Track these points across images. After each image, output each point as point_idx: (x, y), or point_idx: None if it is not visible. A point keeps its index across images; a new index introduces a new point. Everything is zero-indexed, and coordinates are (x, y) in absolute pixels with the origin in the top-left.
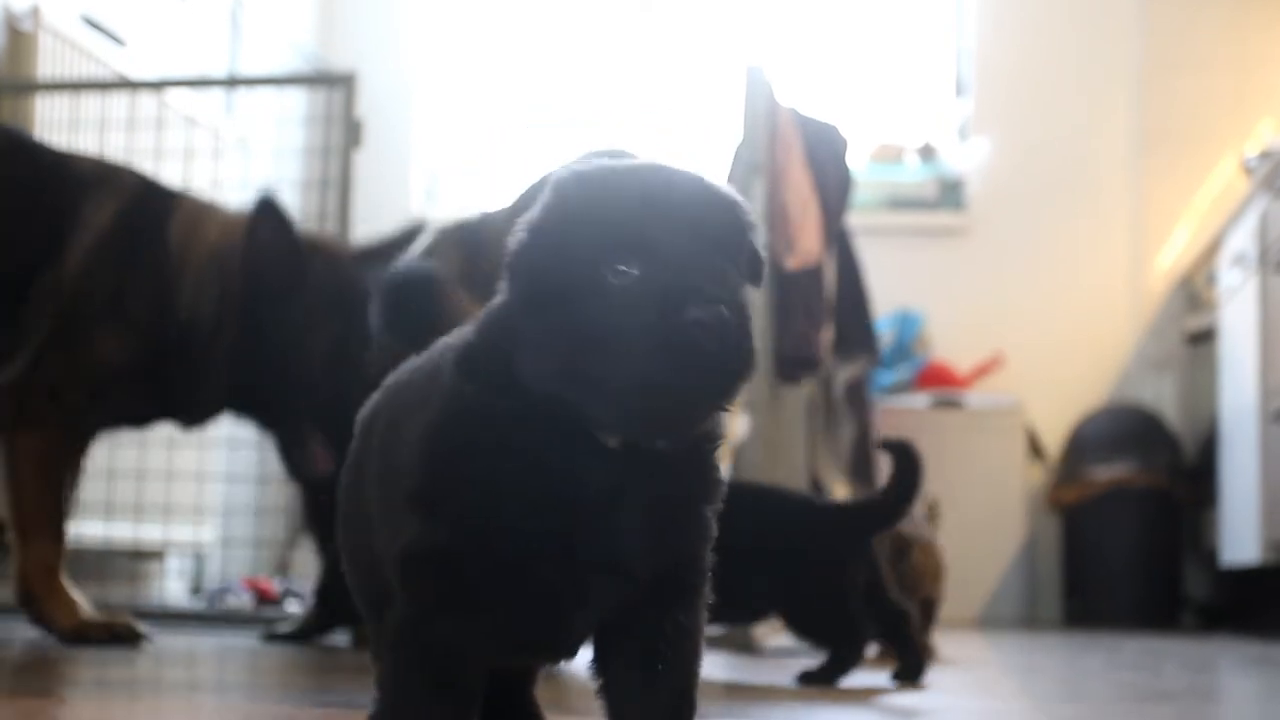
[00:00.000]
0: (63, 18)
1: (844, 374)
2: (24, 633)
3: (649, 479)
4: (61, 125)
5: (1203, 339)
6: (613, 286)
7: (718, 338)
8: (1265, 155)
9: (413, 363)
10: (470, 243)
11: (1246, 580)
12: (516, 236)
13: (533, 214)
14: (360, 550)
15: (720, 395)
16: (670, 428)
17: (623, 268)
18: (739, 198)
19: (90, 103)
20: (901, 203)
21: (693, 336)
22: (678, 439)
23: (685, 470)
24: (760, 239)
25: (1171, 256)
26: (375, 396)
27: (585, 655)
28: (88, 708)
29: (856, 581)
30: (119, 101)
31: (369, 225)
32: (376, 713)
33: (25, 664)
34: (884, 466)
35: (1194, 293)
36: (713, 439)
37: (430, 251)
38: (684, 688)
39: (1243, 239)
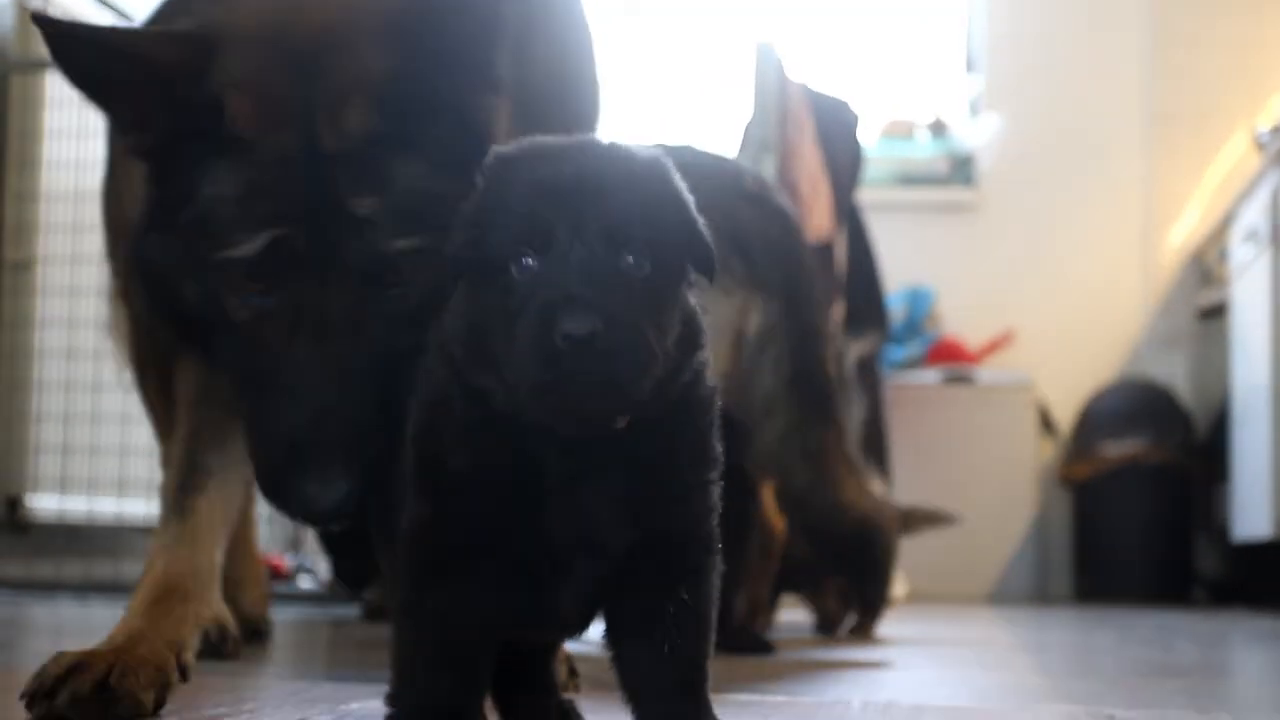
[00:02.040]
0: None
1: (855, 350)
2: (30, 609)
3: (618, 454)
4: (72, 103)
5: (1214, 315)
6: (513, 280)
7: (586, 354)
8: (1277, 130)
9: None
10: None
11: (1258, 555)
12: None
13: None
14: None
15: (603, 403)
16: (571, 422)
17: (526, 260)
18: (675, 187)
19: None
20: (912, 178)
21: (561, 351)
22: (588, 430)
23: (669, 442)
24: (704, 229)
25: (1183, 232)
26: None
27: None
28: None
29: None
30: None
31: None
32: (391, 685)
33: (36, 638)
34: (895, 443)
35: (1206, 268)
36: (703, 408)
37: None
38: (693, 662)
39: (1255, 214)
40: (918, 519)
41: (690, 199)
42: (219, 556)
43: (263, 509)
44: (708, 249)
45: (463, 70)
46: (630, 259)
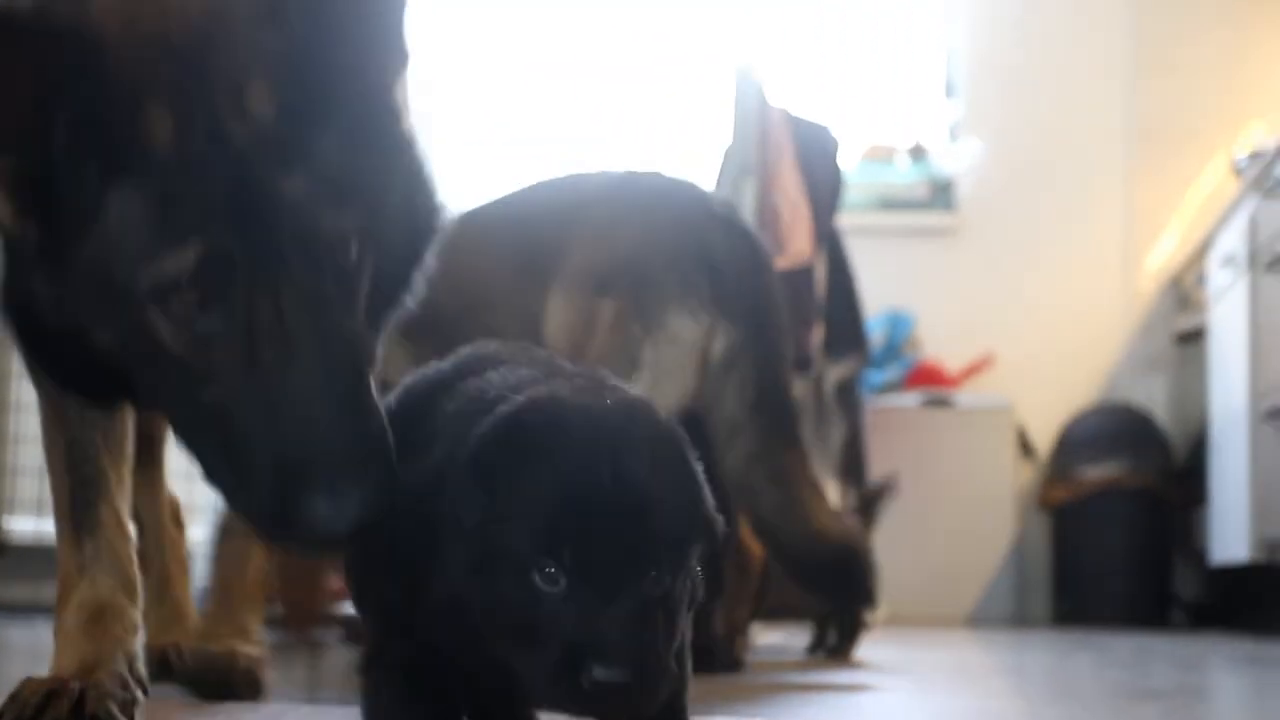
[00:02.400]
0: None
1: (834, 374)
2: (8, 632)
3: None
4: None
5: (1193, 339)
6: (539, 591)
7: (619, 699)
8: (1254, 156)
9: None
10: None
11: (1236, 579)
12: (457, 482)
13: (471, 464)
14: None
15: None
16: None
17: (550, 570)
18: (691, 469)
19: None
20: (892, 203)
21: (587, 692)
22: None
23: None
24: (708, 501)
25: (1162, 257)
26: None
27: None
28: None
29: None
30: None
31: None
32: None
33: (14, 661)
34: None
35: (1184, 293)
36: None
37: None
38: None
39: (1232, 240)
40: (870, 499)
41: (700, 476)
42: (135, 557)
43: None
44: (714, 531)
45: (365, 40)
46: (654, 575)
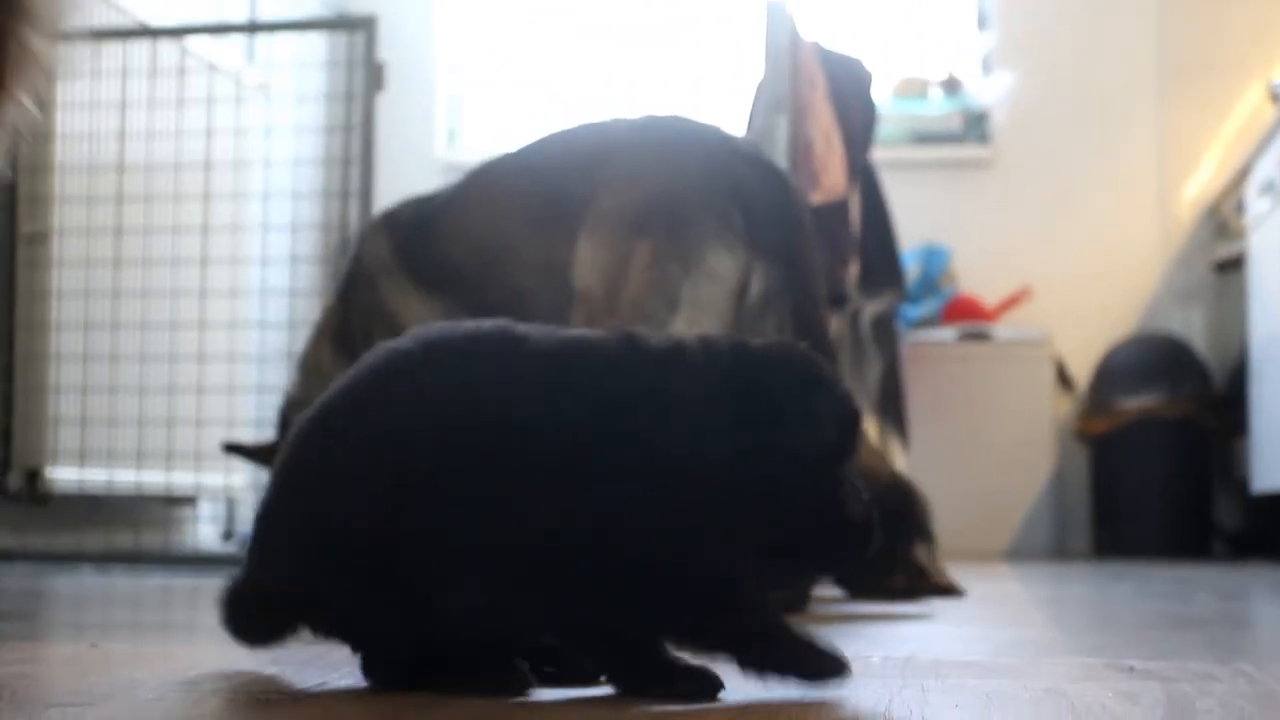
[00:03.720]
0: None
1: (871, 309)
2: (52, 580)
3: None
4: (83, 74)
5: (1231, 267)
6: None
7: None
8: None
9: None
10: (406, 225)
11: (1277, 507)
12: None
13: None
14: None
15: None
16: None
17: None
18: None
19: (112, 51)
20: (926, 136)
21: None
22: None
23: None
24: None
25: (1199, 185)
26: None
27: None
28: (122, 652)
29: None
30: (140, 49)
31: (392, 169)
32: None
33: (58, 609)
34: (912, 401)
35: (1222, 221)
36: None
37: (361, 236)
38: None
39: (1271, 166)
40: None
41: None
42: None
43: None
44: None
45: None
46: None
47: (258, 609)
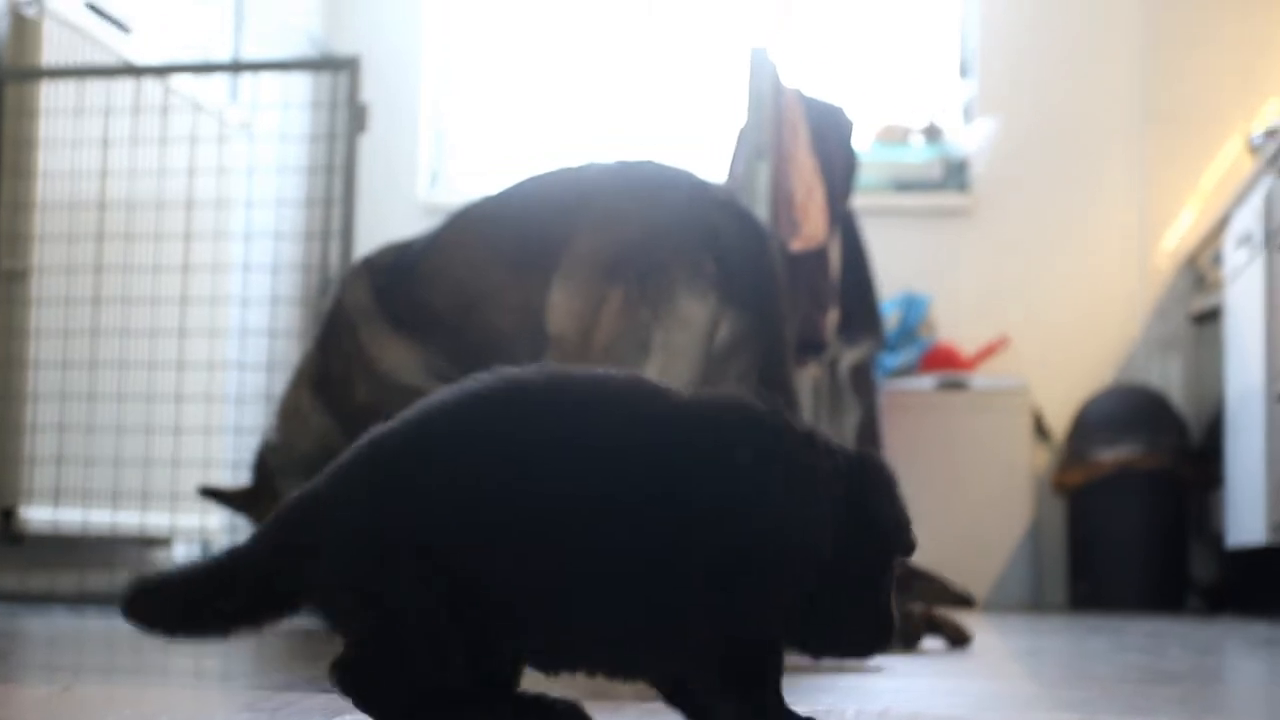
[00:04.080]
0: (67, 4)
1: (849, 357)
2: (25, 621)
3: None
4: (67, 112)
5: (1209, 319)
6: None
7: None
8: (1271, 134)
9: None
10: (386, 270)
11: (1252, 562)
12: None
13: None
14: None
15: None
16: None
17: None
18: None
19: (95, 89)
20: (907, 184)
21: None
22: None
23: None
24: None
25: (1177, 236)
26: None
27: None
28: (95, 695)
29: None
30: (124, 87)
31: (374, 210)
32: None
33: (30, 651)
34: (890, 450)
35: (1200, 273)
36: None
37: (341, 283)
38: None
39: (1248, 218)
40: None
41: None
42: None
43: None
44: None
45: None
46: None
47: (216, 590)
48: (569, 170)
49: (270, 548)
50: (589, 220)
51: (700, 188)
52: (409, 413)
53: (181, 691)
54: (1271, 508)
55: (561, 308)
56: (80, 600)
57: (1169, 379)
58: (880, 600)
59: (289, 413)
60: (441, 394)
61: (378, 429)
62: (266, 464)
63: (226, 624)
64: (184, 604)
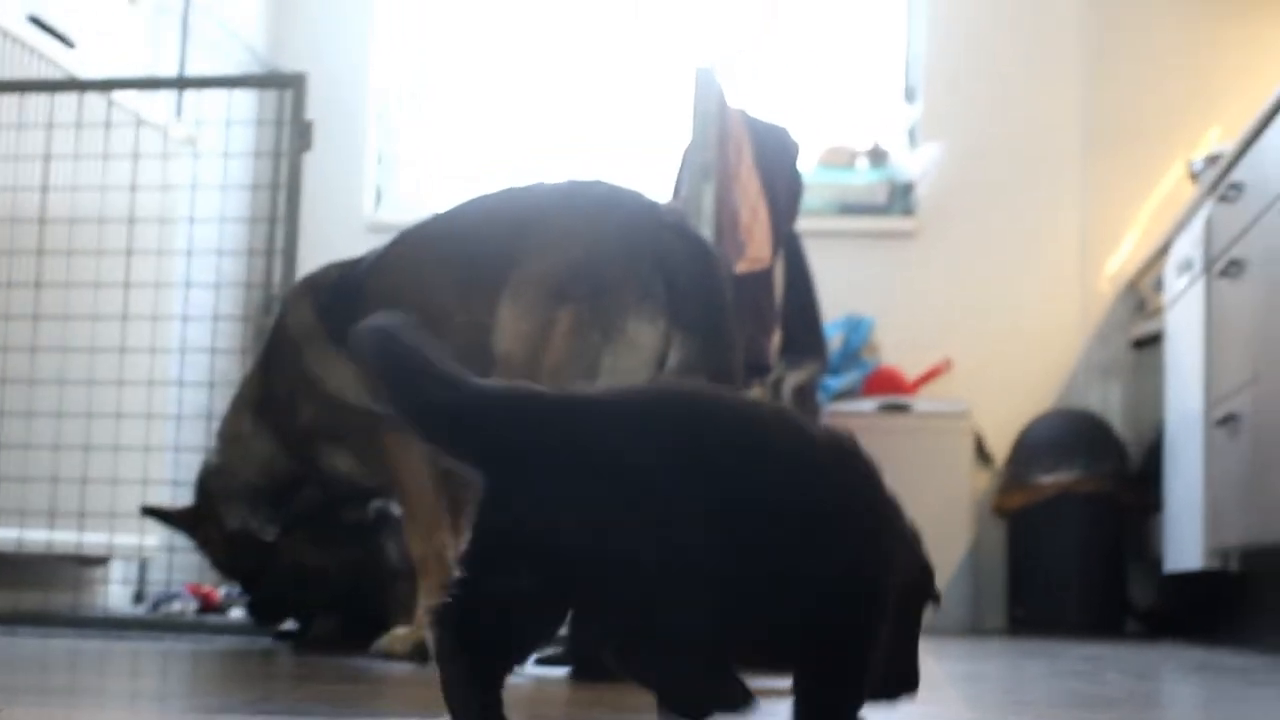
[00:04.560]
0: (9, 17)
1: (792, 379)
2: None
3: None
4: (8, 126)
5: (1149, 344)
6: None
7: None
8: (1211, 160)
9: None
10: (331, 290)
11: (1190, 586)
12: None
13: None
14: None
15: None
16: None
17: None
18: None
19: (38, 103)
20: (851, 207)
21: None
22: None
23: None
24: None
25: (1119, 262)
26: None
27: None
28: (28, 717)
29: None
30: (67, 102)
31: (319, 228)
32: None
33: None
34: None
35: (1141, 298)
36: None
37: (284, 304)
38: None
39: (1188, 245)
40: None
41: None
42: None
43: (189, 540)
44: None
45: None
46: None
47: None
48: (518, 190)
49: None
50: (538, 241)
51: (649, 209)
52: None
53: (117, 713)
54: (1209, 532)
55: (509, 328)
56: (14, 620)
57: (1109, 403)
58: (916, 646)
59: (231, 437)
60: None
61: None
62: (208, 487)
63: None
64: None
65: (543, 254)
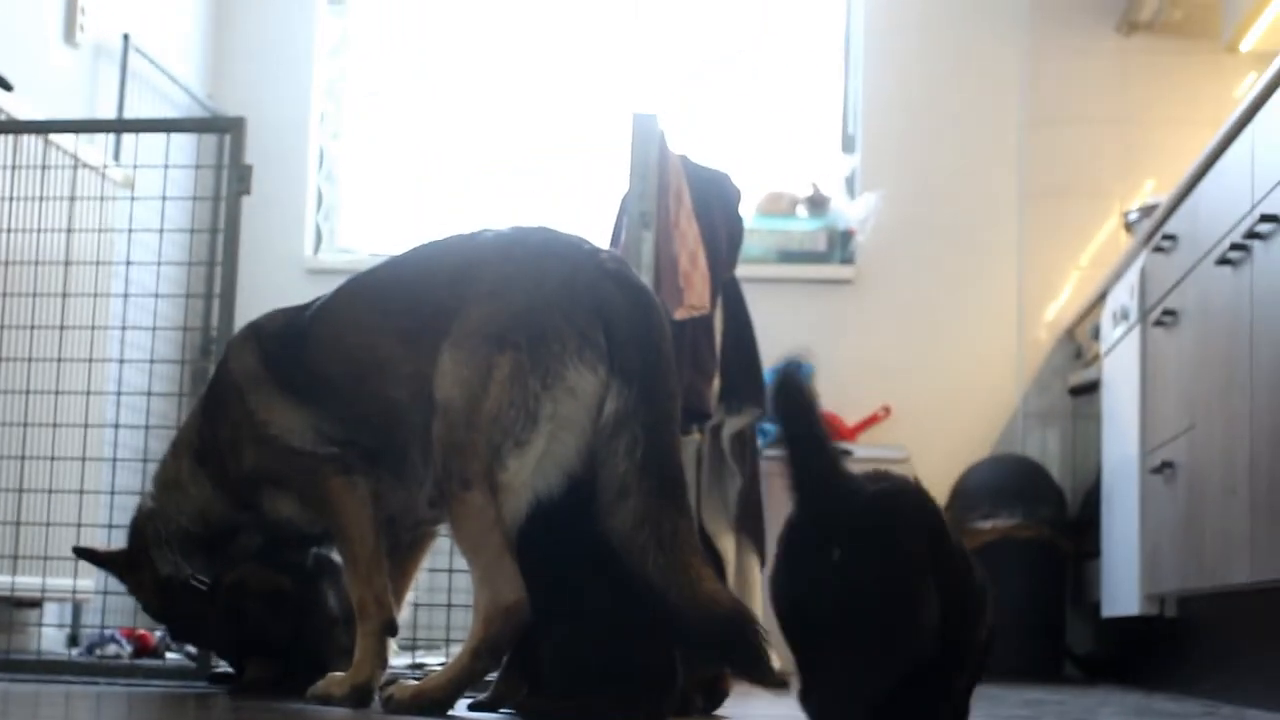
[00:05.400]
0: None
1: (732, 425)
2: None
3: None
4: None
5: (1086, 392)
6: None
7: None
8: (1146, 211)
9: None
10: (275, 337)
11: (1127, 631)
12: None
13: None
14: None
15: None
16: None
17: None
18: None
19: None
20: (792, 254)
21: None
22: None
23: None
24: None
25: (1056, 310)
26: None
27: None
28: None
29: None
30: (2, 144)
31: (259, 271)
32: None
33: None
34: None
35: (1079, 346)
36: None
37: (226, 351)
38: None
39: (1124, 294)
40: None
41: None
42: None
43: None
44: None
45: None
46: None
47: None
48: (461, 238)
49: None
50: (479, 289)
51: (590, 256)
52: None
53: None
54: (1145, 578)
55: (449, 375)
56: None
57: (1047, 450)
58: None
59: (168, 483)
60: None
61: None
62: (142, 531)
63: None
64: None
65: (483, 302)
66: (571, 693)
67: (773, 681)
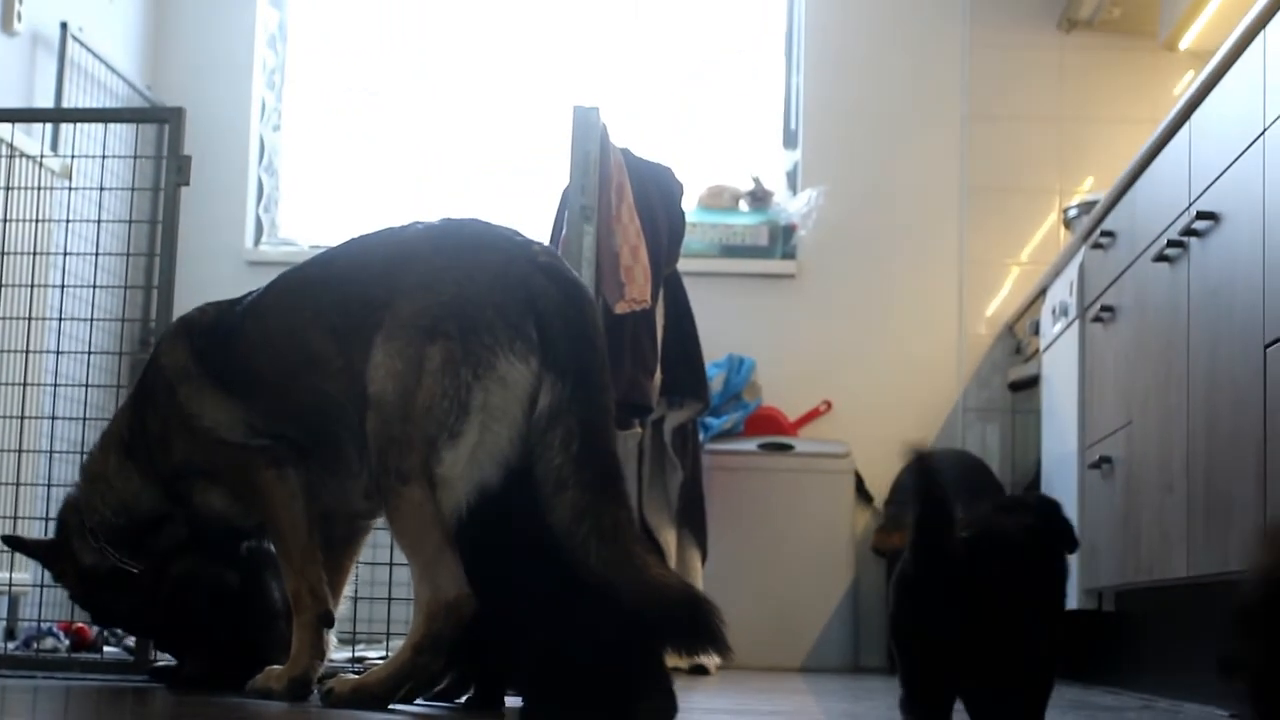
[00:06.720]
0: None
1: (673, 419)
2: None
3: None
4: None
5: (1026, 387)
6: None
7: None
8: (1084, 207)
9: None
10: (207, 332)
11: (1067, 624)
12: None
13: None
14: None
15: None
16: None
17: None
18: None
19: None
20: (733, 249)
21: None
22: None
23: None
24: None
25: (996, 305)
26: None
27: None
28: None
29: None
30: None
31: (198, 262)
32: None
33: None
34: (712, 511)
35: (1019, 342)
36: None
37: (158, 347)
38: None
39: (1063, 290)
40: None
41: None
42: None
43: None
44: None
45: None
46: None
47: None
48: (392, 231)
49: None
50: (410, 282)
51: (523, 249)
52: None
53: None
54: (1083, 573)
55: (382, 368)
56: None
57: (987, 445)
58: None
59: (94, 475)
60: None
61: None
62: (67, 522)
63: None
64: None
65: (414, 294)
66: (567, 702)
67: (730, 655)
